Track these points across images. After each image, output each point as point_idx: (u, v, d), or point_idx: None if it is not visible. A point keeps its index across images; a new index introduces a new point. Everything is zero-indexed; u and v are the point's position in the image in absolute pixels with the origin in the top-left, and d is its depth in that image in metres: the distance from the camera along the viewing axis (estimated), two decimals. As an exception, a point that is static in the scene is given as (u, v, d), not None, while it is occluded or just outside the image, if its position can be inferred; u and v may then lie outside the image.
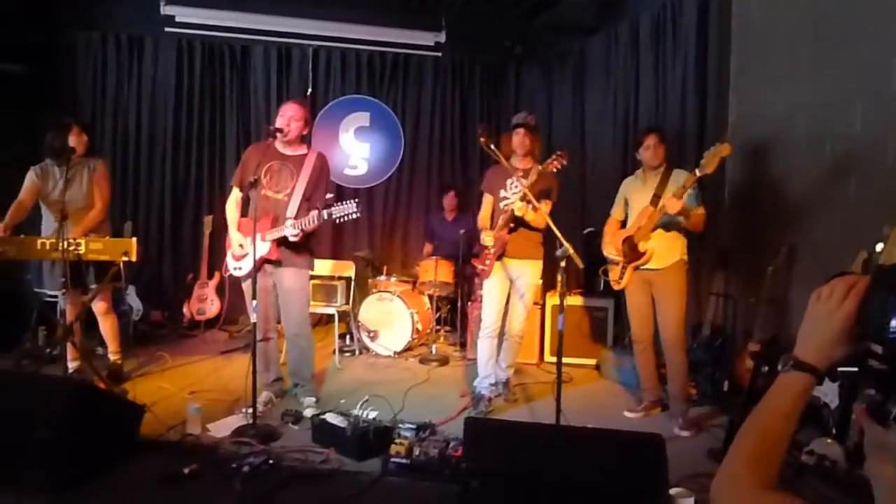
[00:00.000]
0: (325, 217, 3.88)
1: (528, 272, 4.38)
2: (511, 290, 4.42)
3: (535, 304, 5.41)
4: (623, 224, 4.28)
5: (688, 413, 4.04)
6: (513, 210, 4.11)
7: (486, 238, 4.32)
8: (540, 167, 4.11)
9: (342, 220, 3.89)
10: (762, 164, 4.56)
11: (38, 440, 2.78)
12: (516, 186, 4.25)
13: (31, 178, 4.40)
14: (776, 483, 1.00)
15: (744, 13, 4.73)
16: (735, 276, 4.72)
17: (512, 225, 4.25)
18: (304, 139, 4.23)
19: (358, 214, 3.88)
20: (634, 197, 4.18)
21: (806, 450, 3.20)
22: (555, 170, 4.07)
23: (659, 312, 4.09)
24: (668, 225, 4.00)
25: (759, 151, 4.56)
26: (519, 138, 4.33)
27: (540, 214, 4.04)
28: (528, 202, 4.03)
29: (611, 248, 4.22)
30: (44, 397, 2.98)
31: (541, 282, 4.88)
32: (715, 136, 4.84)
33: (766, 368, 3.97)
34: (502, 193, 4.38)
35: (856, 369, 1.08)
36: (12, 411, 2.90)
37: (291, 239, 3.92)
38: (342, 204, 3.87)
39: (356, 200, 3.89)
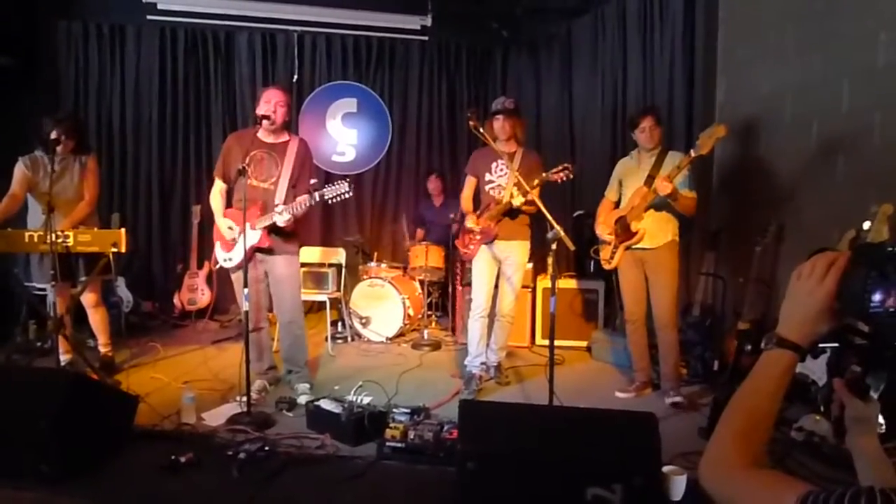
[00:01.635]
0: (318, 199, 3.88)
1: (515, 252, 4.42)
2: (499, 270, 4.48)
3: (525, 287, 5.44)
4: (617, 205, 4.29)
5: (679, 391, 4.08)
6: (510, 202, 4.19)
7: (470, 222, 4.43)
8: (544, 175, 4.11)
9: (334, 200, 3.90)
10: (750, 144, 4.58)
11: (35, 432, 2.77)
12: (502, 170, 4.36)
13: (21, 168, 4.34)
14: (764, 460, 1.02)
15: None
16: (724, 256, 4.75)
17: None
18: (286, 126, 4.20)
19: (350, 194, 3.89)
20: (629, 178, 4.20)
21: (795, 426, 3.25)
22: (559, 181, 4.12)
23: (652, 292, 4.12)
24: (660, 206, 4.02)
25: (748, 131, 4.58)
26: (499, 124, 4.34)
27: (536, 200, 4.01)
28: (525, 192, 4.06)
29: (604, 227, 4.24)
30: (39, 390, 2.97)
31: (530, 264, 4.95)
32: (703, 117, 4.86)
33: (750, 347, 4.03)
34: (487, 177, 4.45)
35: (837, 345, 1.12)
36: (8, 404, 2.90)
37: (282, 225, 3.92)
38: (334, 184, 3.87)
39: (348, 180, 3.89)
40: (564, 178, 4.09)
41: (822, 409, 3.33)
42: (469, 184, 4.60)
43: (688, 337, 4.53)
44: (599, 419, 2.88)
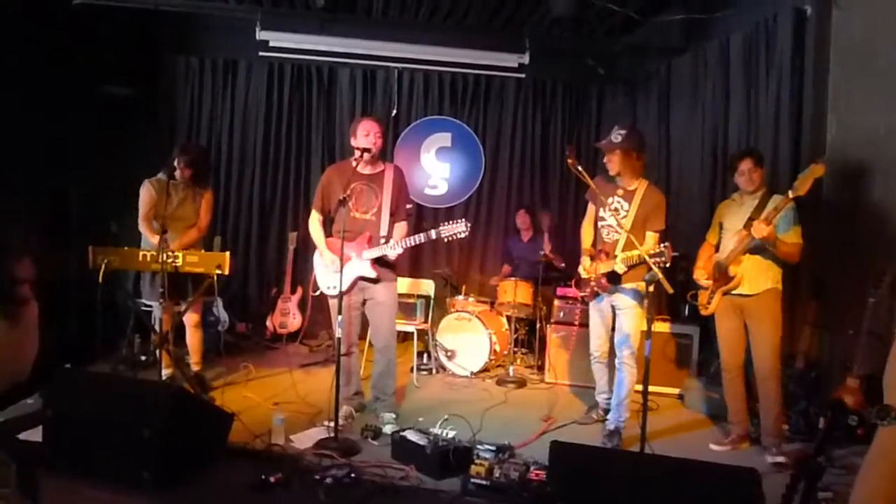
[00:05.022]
0: (433, 237, 3.99)
1: (623, 296, 4.14)
2: (614, 314, 4.26)
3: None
4: (717, 248, 4.15)
5: (781, 449, 3.85)
6: (614, 268, 3.96)
7: (582, 269, 4.26)
8: (643, 257, 3.71)
9: (450, 239, 4.02)
10: (862, 187, 4.34)
11: (139, 441, 2.91)
12: (614, 208, 4.10)
13: (147, 189, 4.64)
14: None
15: (844, 27, 4.53)
16: (832, 306, 4.48)
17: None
18: (383, 155, 4.34)
19: (465, 234, 4.00)
20: (730, 220, 4.05)
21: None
22: (658, 265, 3.63)
23: (753, 341, 3.94)
24: (759, 250, 3.85)
25: (859, 173, 4.34)
26: (609, 159, 4.13)
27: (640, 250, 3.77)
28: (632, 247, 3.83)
29: (702, 272, 4.10)
30: (144, 401, 3.12)
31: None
32: (811, 158, 4.65)
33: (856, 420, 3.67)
34: (601, 213, 4.24)
35: None
36: (114, 412, 3.06)
37: (392, 258, 4.07)
38: (451, 223, 4.00)
39: (465, 221, 4.01)
40: (662, 265, 3.62)
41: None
42: (589, 213, 4.38)
43: (790, 390, 4.28)
44: (696, 471, 2.73)
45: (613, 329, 4.29)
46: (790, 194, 3.65)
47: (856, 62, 4.45)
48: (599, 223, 4.26)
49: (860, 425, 3.66)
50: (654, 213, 4.07)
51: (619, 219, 4.03)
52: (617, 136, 4.05)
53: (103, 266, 4.11)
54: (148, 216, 4.60)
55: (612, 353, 4.34)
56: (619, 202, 4.12)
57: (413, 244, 4.04)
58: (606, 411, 4.39)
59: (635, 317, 4.12)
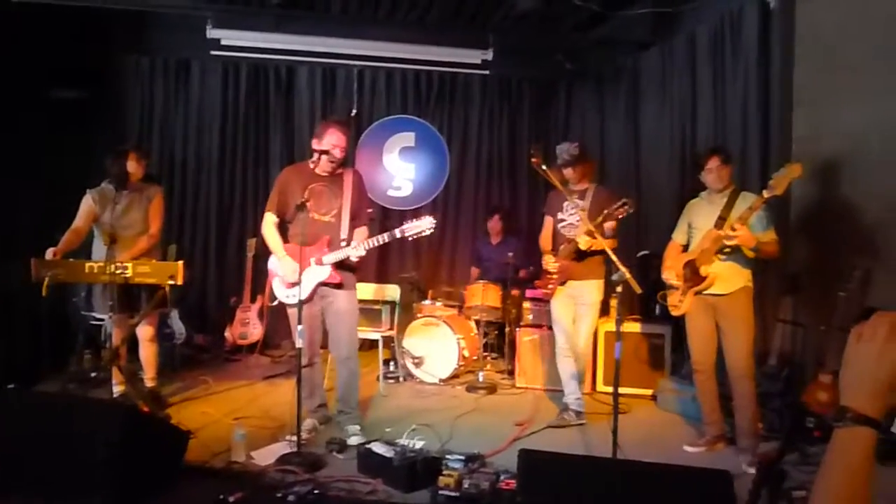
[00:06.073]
0: (398, 235, 3.88)
1: (588, 291, 4.48)
2: (575, 309, 4.55)
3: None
4: (685, 248, 4.09)
5: (757, 448, 3.79)
6: (577, 244, 4.22)
7: (549, 264, 4.50)
8: (605, 212, 4.10)
9: (415, 237, 3.92)
10: (832, 183, 4.31)
11: (91, 463, 2.83)
12: (572, 209, 4.41)
13: (87, 202, 4.43)
14: None
15: (809, 21, 4.51)
16: (804, 302, 4.46)
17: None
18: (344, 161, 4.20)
19: (432, 230, 3.89)
20: (699, 219, 3.99)
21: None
22: (620, 217, 4.10)
23: (725, 340, 3.88)
24: (732, 251, 3.80)
25: (828, 170, 4.32)
26: (569, 173, 4.42)
27: (601, 242, 4.05)
28: (593, 235, 4.10)
29: (671, 272, 4.03)
30: (95, 421, 3.03)
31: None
32: (779, 153, 4.62)
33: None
34: (560, 216, 4.54)
35: None
36: (64, 434, 2.97)
37: (355, 260, 3.91)
38: (416, 220, 3.89)
39: (431, 217, 3.90)
40: (624, 214, 4.04)
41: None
42: (546, 224, 4.69)
43: (764, 388, 4.23)
44: (669, 475, 2.72)
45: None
46: (766, 194, 3.59)
47: (821, 56, 4.43)
48: (559, 226, 4.55)
49: (818, 427, 3.71)
50: (608, 203, 4.22)
51: (578, 210, 4.32)
52: (573, 149, 4.42)
53: (46, 279, 3.90)
54: (79, 229, 4.36)
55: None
56: (575, 201, 4.42)
57: (378, 244, 3.90)
58: (578, 413, 4.54)
59: (594, 314, 4.56)
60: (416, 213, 7.05)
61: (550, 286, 4.52)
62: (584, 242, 4.16)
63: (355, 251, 3.87)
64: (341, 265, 3.96)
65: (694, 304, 3.96)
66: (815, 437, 3.68)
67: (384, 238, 3.87)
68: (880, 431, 0.96)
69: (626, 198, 4.05)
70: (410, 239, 3.94)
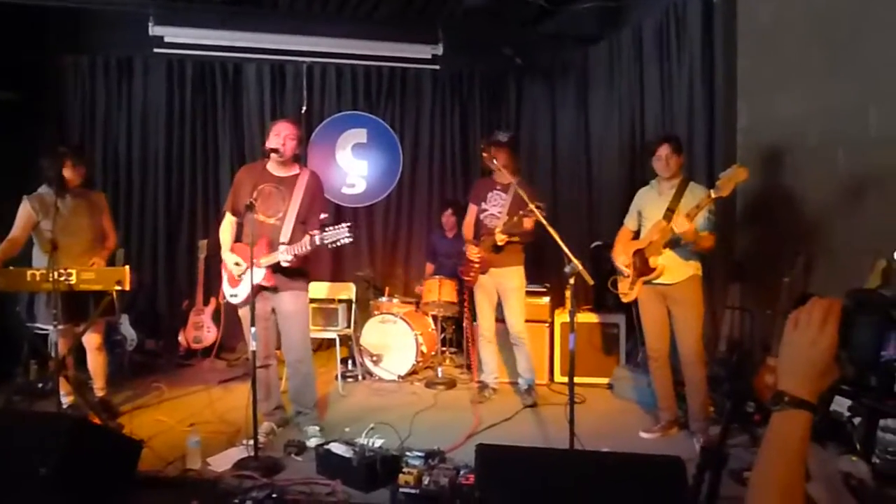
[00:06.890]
0: (318, 242, 3.67)
1: (509, 278, 4.80)
2: (499, 296, 4.87)
3: (542, 321, 5.37)
4: (636, 235, 4.15)
5: (708, 431, 3.89)
6: (495, 240, 4.61)
7: (472, 253, 4.81)
8: (521, 212, 4.38)
9: (333, 245, 3.66)
10: (775, 172, 4.43)
11: (36, 480, 2.69)
12: (495, 200, 4.79)
13: (25, 209, 4.22)
14: None
15: (750, 13, 4.62)
16: (750, 288, 4.58)
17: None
18: (297, 158, 4.11)
19: (350, 239, 3.62)
20: (648, 208, 4.06)
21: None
22: (534, 218, 4.21)
23: (676, 327, 3.97)
24: (678, 242, 3.87)
25: (771, 158, 4.43)
26: (495, 155, 4.61)
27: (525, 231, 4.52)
28: (510, 234, 4.56)
29: (623, 257, 4.09)
30: (40, 435, 2.91)
31: (546, 299, 5.41)
32: (724, 144, 4.73)
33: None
34: (483, 206, 4.87)
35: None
36: (8, 450, 2.84)
37: (284, 265, 3.79)
38: (333, 228, 3.64)
39: (349, 224, 3.65)
40: (536, 218, 4.10)
41: (858, 448, 3.15)
42: (471, 212, 4.98)
43: (714, 373, 4.34)
44: (623, 464, 2.75)
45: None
46: (713, 194, 3.66)
47: (763, 48, 4.54)
48: (481, 215, 4.87)
49: (757, 411, 3.83)
50: (530, 201, 4.29)
51: (500, 204, 4.72)
52: (504, 135, 4.93)
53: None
54: (16, 238, 4.18)
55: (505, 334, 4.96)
56: (498, 194, 4.79)
57: (302, 251, 3.73)
58: (495, 390, 5.00)
59: (519, 298, 4.86)
60: (369, 210, 7.05)
61: (472, 275, 4.83)
62: (500, 239, 4.57)
63: (283, 255, 3.74)
64: (278, 268, 3.84)
65: (646, 293, 4.03)
66: (755, 422, 3.80)
67: (307, 245, 3.71)
68: (815, 414, 0.99)
69: (541, 201, 4.21)
70: (330, 247, 3.69)
